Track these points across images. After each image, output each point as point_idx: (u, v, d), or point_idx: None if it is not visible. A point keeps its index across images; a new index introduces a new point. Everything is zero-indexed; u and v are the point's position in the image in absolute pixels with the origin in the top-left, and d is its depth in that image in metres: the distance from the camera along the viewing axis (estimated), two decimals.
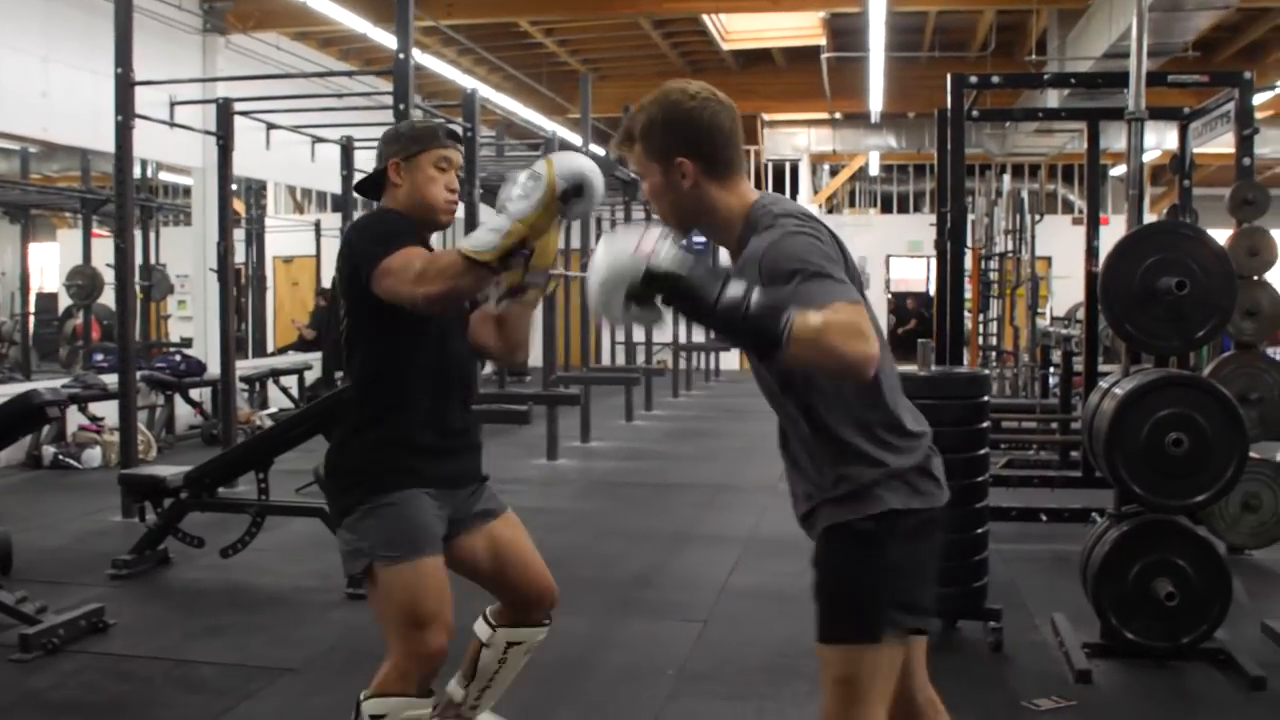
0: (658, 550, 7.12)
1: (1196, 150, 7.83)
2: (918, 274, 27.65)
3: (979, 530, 5.15)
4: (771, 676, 4.76)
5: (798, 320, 2.18)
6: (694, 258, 2.29)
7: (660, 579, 6.47)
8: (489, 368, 17.53)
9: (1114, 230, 7.51)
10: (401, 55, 6.95)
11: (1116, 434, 4.72)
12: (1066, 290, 18.30)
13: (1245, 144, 6.44)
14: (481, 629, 3.50)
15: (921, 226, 24.10)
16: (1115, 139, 12.78)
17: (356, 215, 11.46)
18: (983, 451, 5.19)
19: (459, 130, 3.42)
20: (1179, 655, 4.78)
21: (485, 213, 10.89)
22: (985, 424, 5.22)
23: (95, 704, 4.46)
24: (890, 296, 25.87)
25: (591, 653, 5.09)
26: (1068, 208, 24.24)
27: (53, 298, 17.52)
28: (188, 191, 16.27)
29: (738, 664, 4.92)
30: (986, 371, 5.85)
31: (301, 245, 17.41)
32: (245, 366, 12.17)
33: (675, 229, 2.58)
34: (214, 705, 4.37)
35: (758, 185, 14.94)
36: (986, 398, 5.27)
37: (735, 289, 2.23)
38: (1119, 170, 18.44)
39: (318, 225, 17.09)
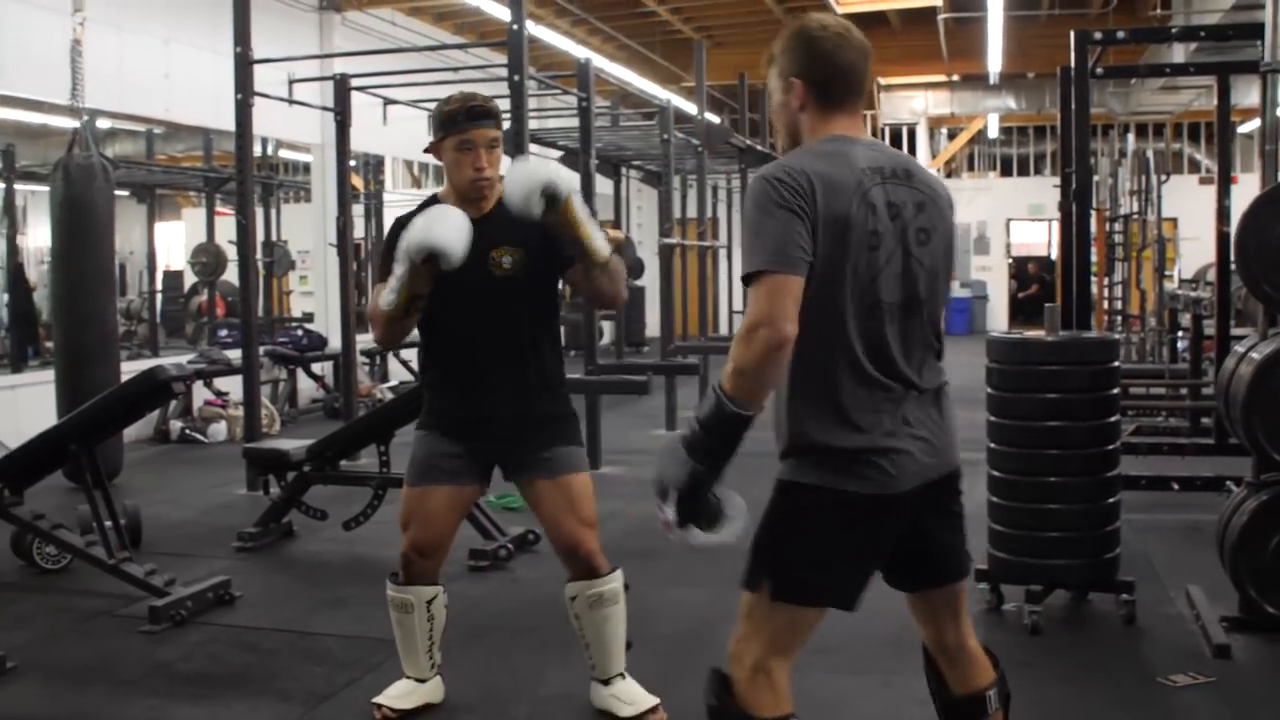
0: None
1: None
2: (1039, 238, 27.13)
3: (1110, 500, 5.00)
4: (897, 650, 4.66)
5: (723, 384, 2.42)
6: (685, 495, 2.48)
7: None
8: (607, 337, 17.54)
9: (1245, 189, 7.24)
10: (515, 26, 6.93)
11: (1255, 399, 4.56)
12: (1194, 252, 17.79)
13: None
14: None
15: (1042, 189, 23.65)
16: (1244, 94, 12.36)
17: None
18: (1113, 419, 5.04)
19: (484, 107, 3.57)
20: None
21: (601, 183, 10.89)
22: (1115, 390, 5.07)
23: (222, 675, 4.53)
24: (1011, 261, 25.42)
25: (712, 625, 5.04)
26: (1194, 167, 23.56)
27: (178, 275, 17.93)
28: (308, 168, 16.53)
29: (861, 637, 4.81)
30: (1115, 336, 5.67)
31: None
32: (366, 340, 12.33)
33: (784, 148, 2.73)
34: (338, 677, 4.43)
35: None
36: (1116, 363, 5.11)
37: (696, 453, 2.46)
38: (1247, 127, 17.85)
39: (434, 198, 17.22)
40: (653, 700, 3.93)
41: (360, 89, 9.20)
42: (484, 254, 3.52)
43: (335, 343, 11.19)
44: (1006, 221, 24.71)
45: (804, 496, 2.60)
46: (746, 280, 2.44)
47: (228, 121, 8.12)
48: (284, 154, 16.80)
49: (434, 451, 3.73)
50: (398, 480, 6.46)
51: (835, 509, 2.58)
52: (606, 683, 3.94)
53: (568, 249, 3.55)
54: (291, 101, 9.40)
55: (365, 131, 9.71)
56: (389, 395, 12.01)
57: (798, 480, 2.60)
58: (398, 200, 17.19)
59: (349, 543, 6.30)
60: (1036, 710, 4.10)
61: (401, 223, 3.55)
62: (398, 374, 13.24)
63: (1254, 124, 17.68)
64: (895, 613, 5.08)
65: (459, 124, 3.51)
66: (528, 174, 3.31)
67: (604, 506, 7.10)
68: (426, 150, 3.67)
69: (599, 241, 3.46)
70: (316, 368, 11.79)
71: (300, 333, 11.74)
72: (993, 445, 5.18)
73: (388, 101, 10.82)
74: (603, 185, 11.84)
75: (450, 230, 3.31)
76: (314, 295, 14.17)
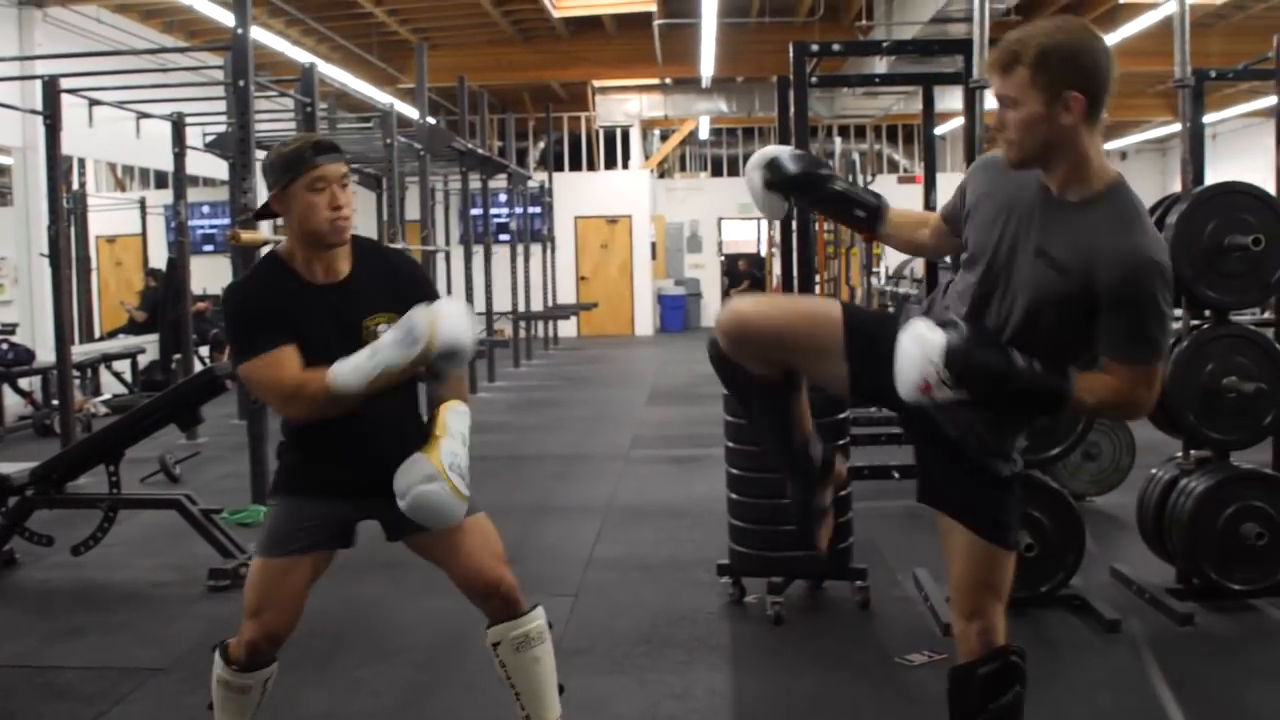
0: (518, 524, 7.10)
1: None
2: (748, 235, 28.01)
3: (843, 492, 5.25)
4: (649, 647, 4.81)
5: (1075, 401, 2.60)
6: (974, 367, 2.52)
7: (524, 553, 6.45)
8: None
9: (940, 188, 7.71)
10: (240, 31, 6.76)
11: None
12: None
13: None
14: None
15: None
16: (944, 100, 13.09)
17: (188, 193, 11.20)
18: (843, 415, 5.30)
19: (329, 141, 3.26)
20: (1038, 603, 4.97)
21: None
22: None
23: None
24: (723, 259, 26.15)
25: (466, 631, 5.02)
26: (893, 167, 24.80)
27: None
28: (1, 171, 15.64)
29: (614, 636, 4.95)
30: None
31: (126, 224, 16.84)
32: (75, 352, 11.76)
33: (1023, 159, 2.59)
34: (83, 712, 4.23)
35: (590, 152, 15.00)
36: None
37: (1015, 378, 2.56)
38: (942, 129, 18.91)
39: (143, 203, 16.55)
40: None
41: (72, 91, 8.77)
42: (356, 325, 3.20)
43: (44, 356, 10.66)
44: (718, 220, 25.42)
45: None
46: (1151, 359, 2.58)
47: None
48: None
49: (295, 514, 3.28)
50: (129, 501, 6.29)
51: None
52: None
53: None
54: None
55: (70, 133, 9.26)
56: (103, 409, 11.51)
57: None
58: (102, 204, 16.51)
59: (79, 568, 6.02)
60: (787, 697, 4.30)
61: (242, 289, 3.28)
62: (111, 386, 12.69)
63: (949, 126, 18.77)
64: (642, 609, 5.28)
65: (308, 160, 3.13)
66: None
67: None
68: (263, 208, 3.28)
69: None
70: (24, 383, 11.17)
71: (5, 346, 11.10)
72: (730, 444, 5.37)
73: (94, 102, 10.37)
74: None
75: (472, 331, 3.12)
76: (11, 305, 13.44)
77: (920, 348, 2.51)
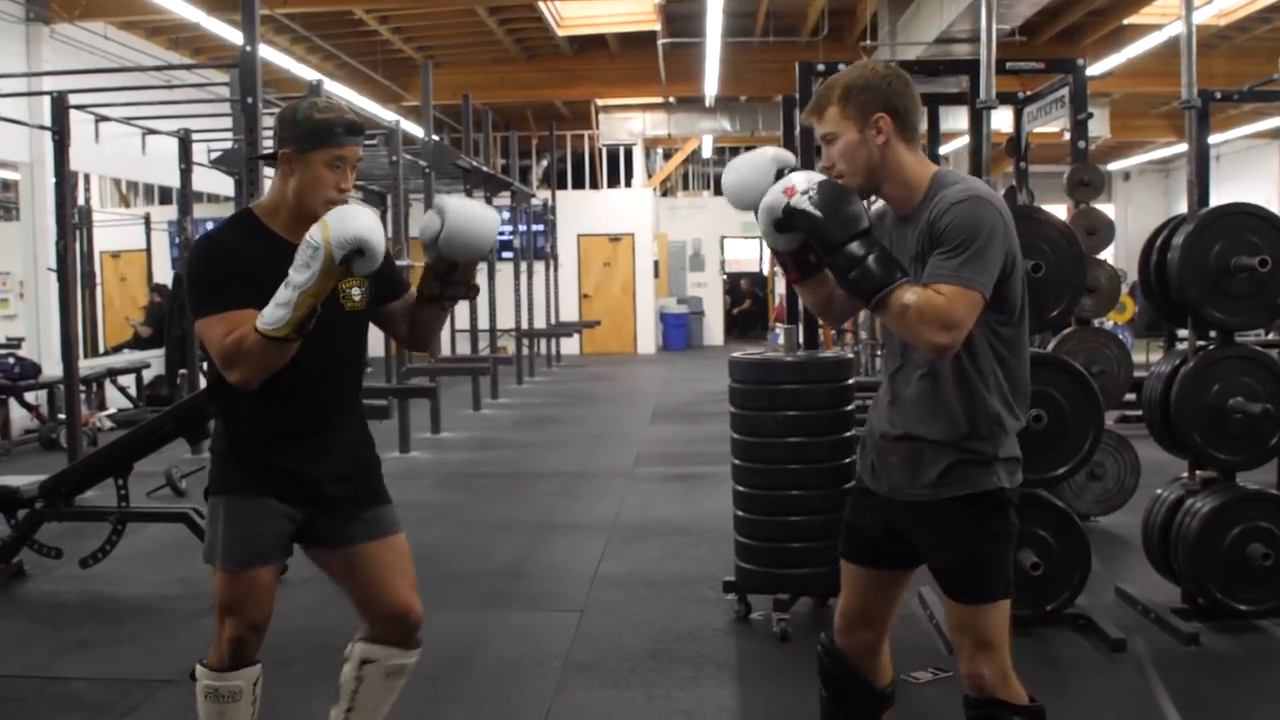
0: (523, 541, 7.13)
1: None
2: (751, 254, 28.08)
3: None
4: (655, 663, 4.82)
5: (893, 295, 2.69)
6: (850, 195, 2.78)
7: (530, 570, 6.49)
8: None
9: None
10: (248, 49, 6.80)
11: None
12: None
13: (1080, 128, 6.66)
14: (349, 646, 3.45)
15: None
16: (949, 121, 13.14)
17: (195, 210, 11.23)
18: (849, 434, 5.32)
19: (360, 121, 3.12)
20: (1044, 622, 4.98)
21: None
22: (851, 406, 5.36)
23: None
24: (725, 277, 26.20)
25: (471, 648, 5.10)
26: None
27: None
28: (7, 185, 15.67)
29: (620, 652, 4.97)
30: (849, 355, 5.99)
31: (130, 240, 16.89)
32: (81, 367, 11.81)
33: (860, 188, 2.86)
34: None
35: (593, 170, 15.03)
36: (851, 380, 5.40)
37: (860, 246, 2.72)
38: (946, 149, 18.95)
39: (147, 219, 16.59)
40: None
41: (79, 107, 8.81)
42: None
43: (50, 370, 10.69)
44: (720, 239, 25.45)
45: (1008, 500, 2.89)
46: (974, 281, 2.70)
47: None
48: None
49: (261, 521, 3.16)
50: (137, 514, 6.31)
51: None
52: None
53: (400, 282, 3.37)
54: None
55: (76, 149, 9.29)
56: (108, 424, 11.54)
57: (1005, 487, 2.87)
58: (107, 220, 16.56)
59: (87, 580, 6.04)
60: (793, 714, 4.31)
61: (217, 241, 3.13)
62: (116, 401, 12.72)
63: (953, 146, 18.81)
64: (649, 625, 5.30)
65: (336, 137, 3.02)
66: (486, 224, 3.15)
67: None
68: (271, 156, 3.12)
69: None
70: (30, 396, 11.20)
71: (11, 361, 11.13)
72: (737, 461, 5.39)
73: (100, 119, 10.42)
74: None
75: (374, 226, 2.90)
76: (16, 319, 13.47)
77: (809, 172, 2.83)
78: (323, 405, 3.21)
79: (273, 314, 2.86)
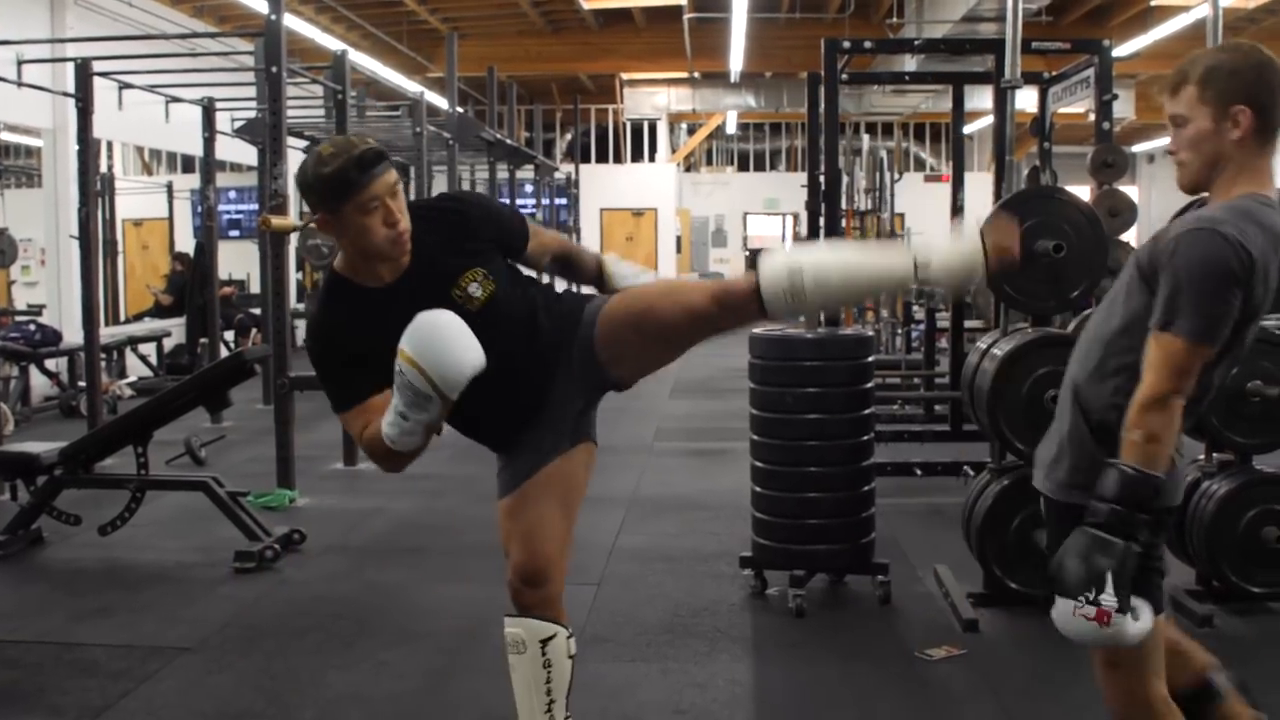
0: None
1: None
2: (774, 231, 28.00)
3: (866, 487, 5.28)
4: (671, 637, 4.84)
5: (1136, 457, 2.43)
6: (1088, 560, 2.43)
7: None
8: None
9: (968, 188, 7.72)
10: (273, 17, 6.80)
11: (998, 392, 4.87)
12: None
13: (1105, 109, 6.61)
14: None
15: (777, 184, 24.50)
16: (973, 100, 13.09)
17: (218, 179, 11.25)
18: (868, 411, 5.32)
19: (373, 150, 2.86)
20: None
21: None
22: (870, 384, 5.35)
23: None
24: (748, 254, 26.12)
25: (489, 619, 5.04)
26: (919, 165, 24.76)
27: None
28: (29, 152, 15.72)
29: (636, 625, 4.98)
30: (870, 333, 5.98)
31: (152, 208, 16.95)
32: (101, 334, 11.87)
33: (1194, 182, 2.64)
34: (112, 689, 4.27)
35: (617, 144, 14.99)
36: (871, 358, 5.40)
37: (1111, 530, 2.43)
38: (970, 128, 18.87)
39: (170, 187, 16.66)
40: None
41: (103, 74, 8.83)
42: (446, 300, 2.89)
43: (70, 337, 10.73)
44: (743, 215, 25.41)
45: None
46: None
47: None
48: (4, 136, 15.94)
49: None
50: (156, 482, 6.34)
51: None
52: None
53: (516, 234, 3.17)
54: (22, 84, 9.00)
55: (99, 116, 9.34)
56: (128, 391, 11.60)
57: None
58: (129, 187, 16.61)
59: (105, 548, 6.08)
60: (807, 689, 4.33)
61: (321, 329, 3.01)
62: (136, 369, 12.78)
63: (977, 125, 18.73)
64: (665, 599, 5.31)
65: (355, 183, 2.82)
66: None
67: (367, 503, 7.14)
68: (308, 226, 3.02)
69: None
70: (51, 364, 11.25)
71: (33, 327, 11.18)
72: (755, 437, 5.38)
73: (124, 86, 10.44)
74: None
75: (464, 343, 2.71)
76: (38, 286, 13.52)
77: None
78: (524, 388, 3.13)
79: (407, 440, 2.78)
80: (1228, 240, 2.44)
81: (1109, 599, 2.38)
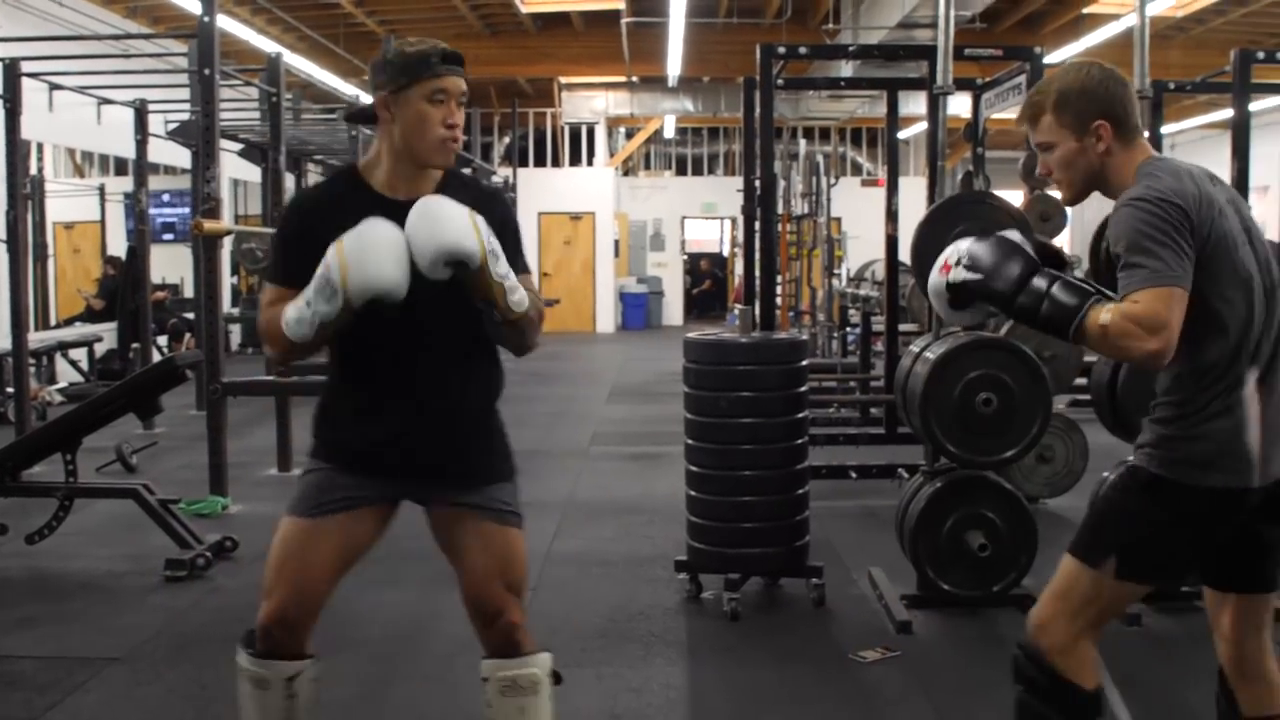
0: None
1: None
2: (711, 235, 28.11)
3: (800, 490, 5.31)
4: (606, 642, 4.85)
5: (1087, 320, 2.58)
6: (1002, 248, 2.75)
7: None
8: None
9: (903, 192, 7.78)
10: (206, 19, 6.73)
11: (930, 395, 4.92)
12: (856, 250, 18.89)
13: None
14: None
15: (715, 188, 24.54)
16: (908, 105, 13.19)
17: (150, 182, 11.11)
18: (803, 415, 5.35)
19: (456, 52, 2.85)
20: (991, 603, 5.03)
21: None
22: (805, 388, 5.38)
23: None
24: (685, 258, 26.20)
25: (423, 625, 5.10)
26: (856, 169, 24.91)
27: None
28: None
29: (571, 630, 4.98)
30: (804, 337, 6.01)
31: (84, 211, 16.69)
32: (31, 340, 11.68)
33: (1078, 194, 2.85)
34: (38, 701, 4.21)
35: (555, 148, 15.02)
36: (805, 362, 5.43)
37: (1029, 294, 2.68)
38: (905, 133, 19.03)
39: (102, 190, 16.42)
40: None
41: (33, 75, 8.70)
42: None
43: None
44: (681, 219, 25.46)
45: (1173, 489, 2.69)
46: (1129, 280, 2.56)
47: None
48: None
49: (335, 481, 2.94)
50: (85, 490, 6.25)
51: (1194, 502, 2.68)
52: None
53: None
54: None
55: (27, 117, 9.20)
56: (58, 397, 11.43)
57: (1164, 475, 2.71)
58: (60, 190, 16.36)
59: (33, 557, 5.98)
60: (743, 692, 4.35)
61: (301, 209, 3.00)
62: (67, 374, 12.60)
63: (912, 130, 18.89)
64: (600, 604, 5.31)
65: (432, 68, 2.79)
66: (431, 236, 2.66)
67: None
68: (368, 108, 2.92)
69: (514, 300, 2.79)
70: None
71: None
72: (690, 441, 5.40)
73: (54, 87, 10.30)
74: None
75: (395, 264, 2.65)
76: None
77: (960, 243, 2.84)
78: (425, 370, 2.94)
79: (293, 328, 2.73)
80: (1146, 200, 2.58)
81: (960, 271, 2.76)
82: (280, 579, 2.91)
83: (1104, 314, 2.56)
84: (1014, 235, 2.81)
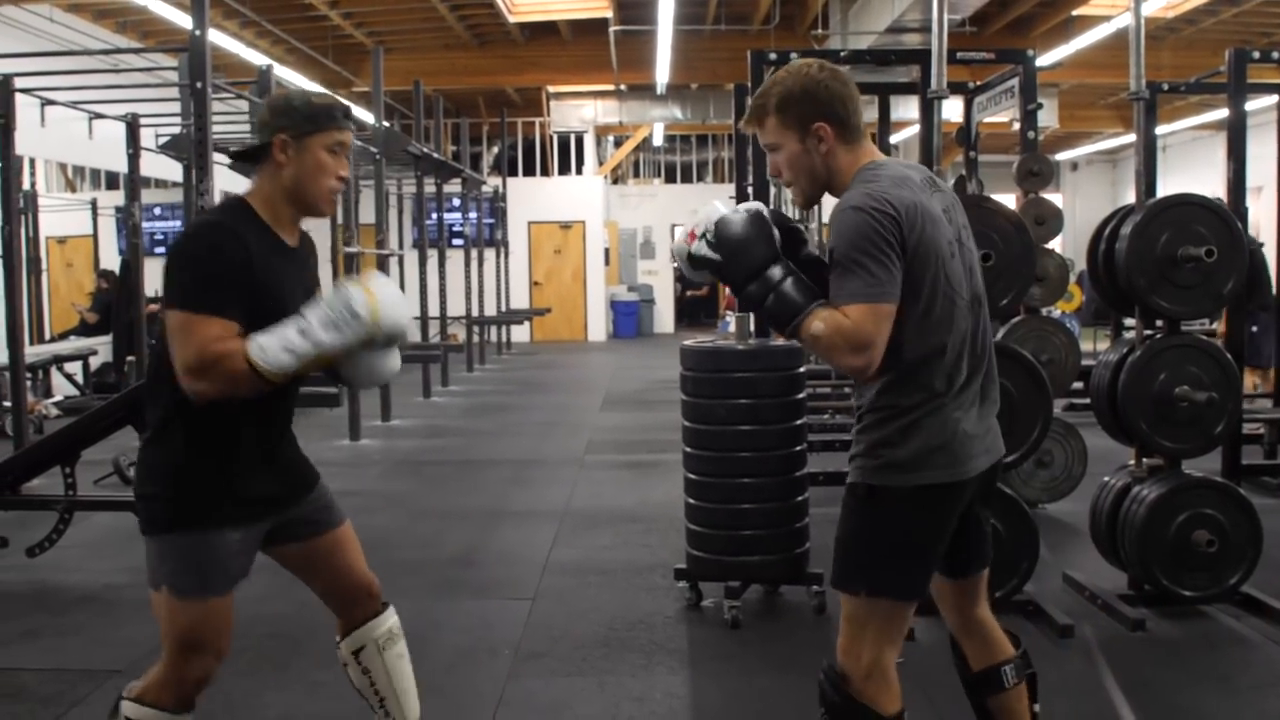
0: (474, 528, 7.12)
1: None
2: None
3: (800, 498, 5.31)
4: (607, 651, 4.83)
5: (805, 323, 2.64)
6: (747, 234, 2.74)
7: (481, 557, 6.48)
8: None
9: None
10: (198, 33, 6.73)
11: None
12: None
13: (1029, 118, 6.72)
14: (340, 653, 3.41)
15: (705, 195, 24.50)
16: (899, 110, 13.22)
17: (143, 196, 11.11)
18: (800, 421, 5.35)
19: (349, 109, 2.98)
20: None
21: None
22: (802, 394, 5.39)
23: None
24: (676, 265, 26.14)
25: (422, 635, 5.05)
26: None
27: None
28: None
29: (572, 640, 4.98)
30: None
31: (77, 225, 16.68)
32: (26, 354, 11.65)
33: (808, 195, 2.86)
34: (41, 713, 4.21)
35: (544, 157, 14.98)
36: (802, 368, 5.43)
37: (760, 285, 2.71)
38: (897, 138, 19.06)
39: (94, 204, 16.40)
40: None
41: (25, 90, 8.69)
42: (311, 296, 2.90)
43: None
44: (671, 227, 25.46)
45: (889, 495, 2.76)
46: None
47: None
48: None
49: (229, 545, 2.92)
50: (85, 503, 6.24)
51: (913, 503, 2.76)
52: None
53: None
54: None
55: (20, 133, 9.18)
56: (54, 411, 11.41)
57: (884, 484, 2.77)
58: (53, 205, 16.34)
59: (32, 569, 5.97)
60: (745, 700, 4.34)
61: (225, 229, 2.81)
62: (62, 388, 12.58)
63: (903, 135, 18.91)
64: (600, 613, 5.30)
65: (337, 120, 2.88)
66: (399, 317, 2.82)
67: None
68: (273, 136, 2.85)
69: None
70: None
71: None
72: (688, 449, 5.40)
73: (46, 102, 10.29)
74: None
75: (404, 313, 2.85)
76: None
77: (710, 208, 2.82)
78: (284, 413, 3.09)
79: (277, 358, 2.69)
80: (860, 209, 2.63)
81: (703, 246, 2.76)
82: (209, 650, 2.99)
83: (816, 323, 2.63)
84: (763, 213, 2.79)
